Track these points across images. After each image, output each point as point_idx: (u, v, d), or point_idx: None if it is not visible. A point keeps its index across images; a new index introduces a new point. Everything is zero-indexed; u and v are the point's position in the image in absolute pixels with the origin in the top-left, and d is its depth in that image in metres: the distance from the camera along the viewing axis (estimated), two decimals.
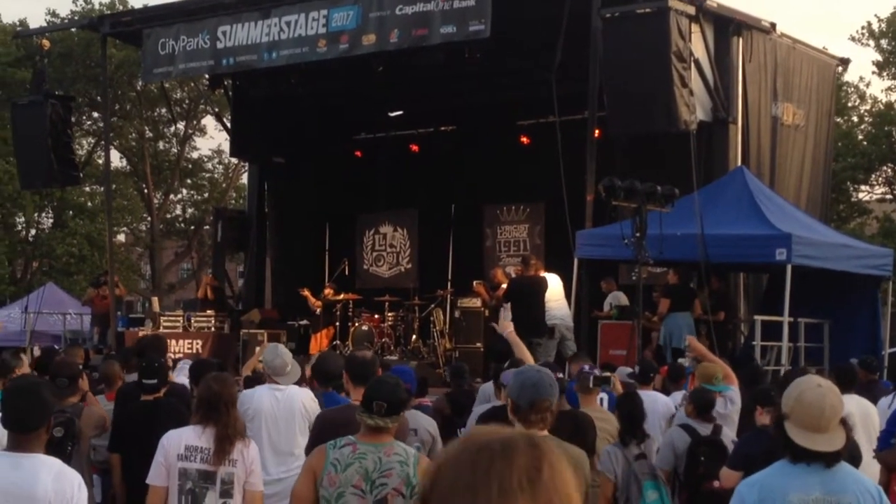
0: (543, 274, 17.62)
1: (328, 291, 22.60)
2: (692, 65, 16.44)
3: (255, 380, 9.90)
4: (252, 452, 6.52)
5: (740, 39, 18.42)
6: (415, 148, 25.74)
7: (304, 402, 8.39)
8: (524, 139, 23.59)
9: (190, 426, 6.53)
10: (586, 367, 9.33)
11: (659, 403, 10.12)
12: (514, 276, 18.59)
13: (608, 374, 9.74)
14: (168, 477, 6.45)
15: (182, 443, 6.48)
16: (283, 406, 8.38)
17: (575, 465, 5.31)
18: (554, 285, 17.49)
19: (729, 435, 8.58)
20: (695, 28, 16.81)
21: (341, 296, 22.51)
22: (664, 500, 7.90)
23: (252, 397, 8.59)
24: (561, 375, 8.49)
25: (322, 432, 7.18)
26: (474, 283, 19.47)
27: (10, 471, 5.09)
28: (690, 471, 8.25)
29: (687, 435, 8.41)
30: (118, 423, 8.14)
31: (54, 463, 5.24)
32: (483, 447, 2.15)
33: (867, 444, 9.10)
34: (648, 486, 7.81)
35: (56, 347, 18.70)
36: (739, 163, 18.06)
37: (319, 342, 21.84)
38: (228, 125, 29.28)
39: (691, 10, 16.41)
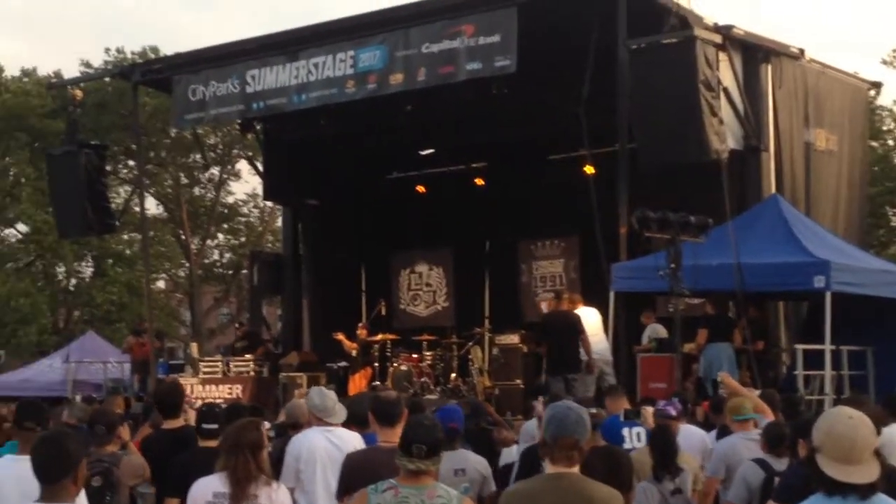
0: (582, 308, 17.50)
1: (361, 332, 22.58)
2: (721, 93, 16.35)
3: (291, 427, 9.80)
4: (281, 496, 6.51)
5: (769, 66, 18.32)
6: (447, 186, 25.73)
7: (356, 444, 8.35)
8: (555, 173, 23.53)
9: (216, 473, 6.51)
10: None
11: (695, 437, 9.99)
12: (546, 311, 18.51)
13: (647, 406, 9.65)
14: None
15: (210, 489, 6.48)
16: (337, 448, 8.34)
17: (598, 501, 5.21)
18: (591, 320, 17.37)
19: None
20: (722, 56, 16.72)
21: (379, 336, 22.49)
22: None
23: (304, 441, 8.55)
24: (594, 411, 8.38)
25: (348, 475, 7.15)
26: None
27: None
28: None
29: (761, 470, 8.26)
30: (180, 467, 7.93)
31: None
32: None
33: None
34: None
35: (94, 396, 18.72)
36: (773, 190, 17.92)
37: (358, 384, 21.76)
38: (261, 169, 29.44)
39: (718, 38, 16.33)
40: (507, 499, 5.31)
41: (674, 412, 9.62)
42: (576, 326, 16.90)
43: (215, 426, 8.09)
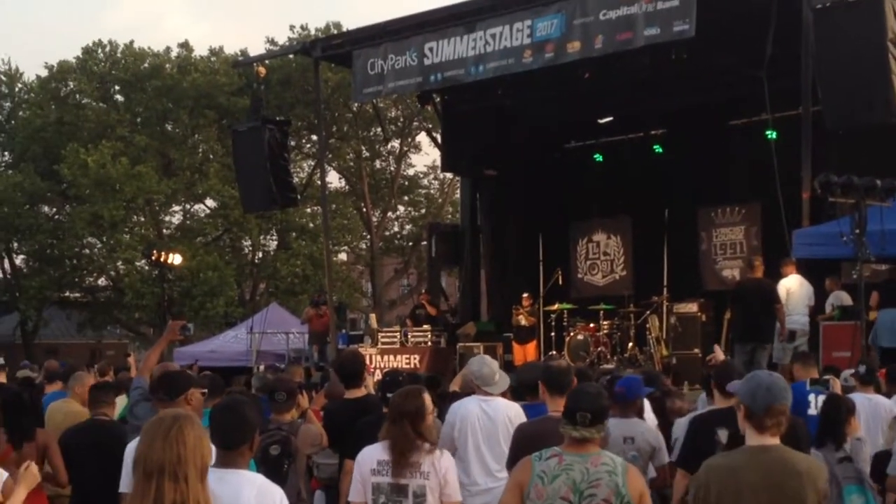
0: (793, 276, 16.89)
1: (526, 303, 22.55)
2: None
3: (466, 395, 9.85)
4: (445, 463, 6.46)
5: None
6: (626, 154, 25.46)
7: (510, 414, 8.33)
8: (736, 139, 23.05)
9: (380, 442, 6.55)
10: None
11: (880, 406, 9.64)
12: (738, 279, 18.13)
13: (828, 377, 9.36)
14: (364, 492, 6.49)
15: (375, 458, 6.50)
16: (489, 417, 8.36)
17: (806, 475, 4.99)
18: (792, 288, 16.80)
19: None
20: None
21: (555, 306, 22.48)
22: None
23: (459, 408, 8.58)
24: None
25: (520, 445, 7.11)
26: None
27: (215, 485, 5.18)
28: None
29: None
30: (360, 432, 8.08)
31: (256, 478, 5.33)
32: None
33: None
34: (851, 491, 7.41)
35: (279, 366, 19.15)
36: None
37: (526, 354, 21.84)
38: (440, 140, 29.61)
39: None
40: (708, 472, 5.13)
41: (852, 383, 9.30)
42: (770, 295, 16.41)
43: None
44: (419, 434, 6.45)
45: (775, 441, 5.05)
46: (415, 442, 6.41)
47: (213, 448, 5.40)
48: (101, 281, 47.94)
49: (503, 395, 8.80)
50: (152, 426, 4.29)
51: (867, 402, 9.34)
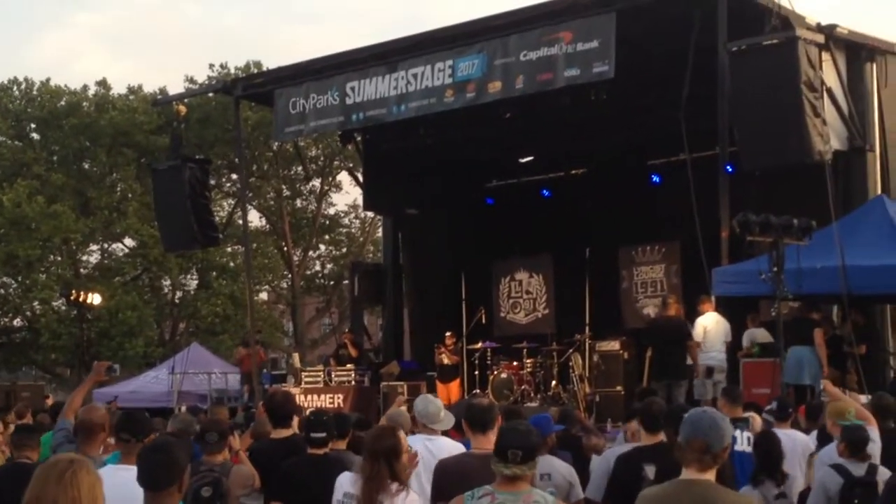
0: (709, 314, 17.12)
1: (449, 342, 22.67)
2: (824, 94, 16.06)
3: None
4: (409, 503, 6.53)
5: (874, 65, 17.97)
6: (546, 192, 25.68)
7: (454, 453, 8.34)
8: (656, 178, 23.38)
9: (356, 473, 6.65)
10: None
11: (798, 442, 9.78)
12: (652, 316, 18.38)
13: (748, 413, 9.49)
14: None
15: (344, 488, 6.63)
16: (433, 456, 8.35)
17: None
18: (708, 326, 17.04)
19: (885, 474, 8.16)
20: (825, 56, 16.45)
21: (478, 344, 22.56)
22: None
23: None
24: None
25: (441, 481, 7.15)
26: None
27: None
28: None
29: (839, 476, 8.04)
30: (285, 473, 8.10)
31: None
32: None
33: None
34: None
35: (201, 407, 18.97)
36: (879, 191, 17.56)
37: (448, 393, 21.89)
38: (361, 179, 29.64)
39: (821, 38, 16.05)
40: (640, 501, 5.27)
41: (771, 419, 9.43)
42: (681, 332, 16.64)
43: (323, 434, 8.20)
44: (393, 473, 6.50)
45: (705, 476, 5.14)
46: (385, 481, 6.46)
47: (142, 491, 5.38)
48: (17, 321, 47.15)
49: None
50: (46, 469, 4.27)
51: (785, 438, 9.46)
